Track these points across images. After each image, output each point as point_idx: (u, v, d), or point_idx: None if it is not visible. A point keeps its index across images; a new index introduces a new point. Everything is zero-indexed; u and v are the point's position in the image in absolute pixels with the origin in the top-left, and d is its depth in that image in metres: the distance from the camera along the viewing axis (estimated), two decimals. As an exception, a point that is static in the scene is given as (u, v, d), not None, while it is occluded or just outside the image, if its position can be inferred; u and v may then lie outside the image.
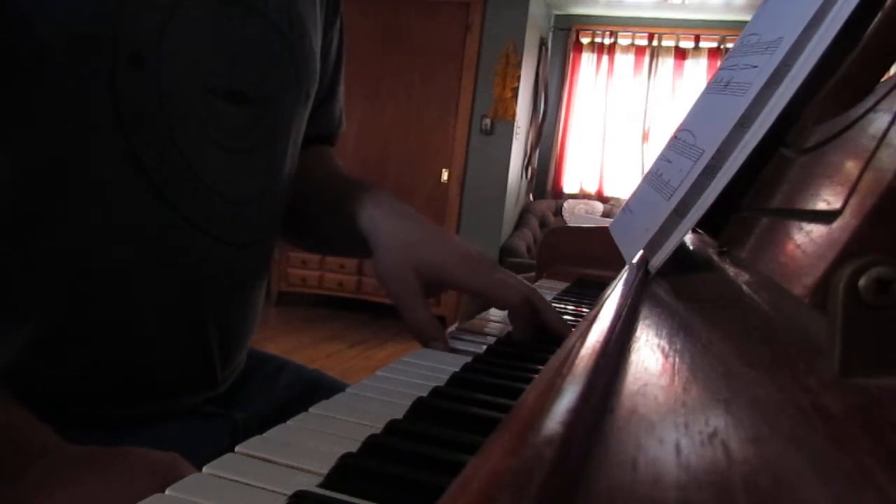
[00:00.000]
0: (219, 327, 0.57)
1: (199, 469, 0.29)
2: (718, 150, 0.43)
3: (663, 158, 0.57)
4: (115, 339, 0.50)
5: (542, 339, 0.57)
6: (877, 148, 0.26)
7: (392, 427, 0.34)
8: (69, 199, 0.47)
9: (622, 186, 4.34)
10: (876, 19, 0.39)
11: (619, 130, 4.38)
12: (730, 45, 3.92)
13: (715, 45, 4.20)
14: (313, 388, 0.68)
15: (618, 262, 0.55)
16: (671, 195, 0.46)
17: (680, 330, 0.32)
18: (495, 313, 0.69)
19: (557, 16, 4.49)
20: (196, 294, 0.53)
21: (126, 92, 0.46)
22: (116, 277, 0.49)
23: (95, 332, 0.49)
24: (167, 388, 0.55)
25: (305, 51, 0.60)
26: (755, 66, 0.44)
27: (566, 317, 0.68)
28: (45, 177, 0.46)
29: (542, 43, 4.33)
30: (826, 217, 0.27)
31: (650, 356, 0.29)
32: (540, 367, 0.45)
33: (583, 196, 4.46)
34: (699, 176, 0.44)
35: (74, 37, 0.44)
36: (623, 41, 4.39)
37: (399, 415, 0.36)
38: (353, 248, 0.64)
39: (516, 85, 3.98)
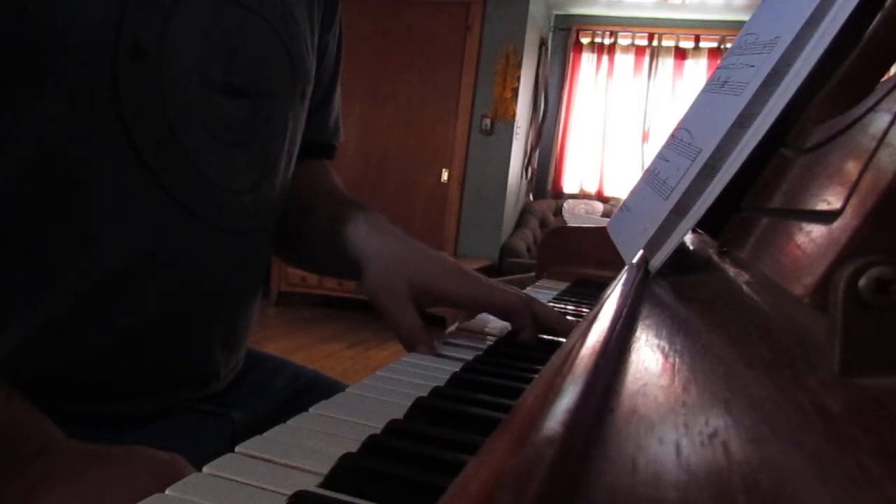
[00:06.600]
0: (222, 318, 0.57)
1: (198, 468, 0.29)
2: (716, 150, 0.43)
3: (661, 157, 0.57)
4: (120, 331, 0.50)
5: (542, 339, 0.57)
6: (877, 148, 0.26)
7: (392, 427, 0.34)
8: (72, 190, 0.47)
9: (622, 186, 4.34)
10: (876, 19, 0.39)
11: (619, 130, 4.39)
12: (730, 45, 3.92)
13: (715, 45, 4.20)
14: (311, 389, 0.68)
15: (618, 262, 0.55)
16: (669, 194, 0.46)
17: (680, 330, 0.32)
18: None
19: (557, 16, 4.49)
20: (198, 281, 0.54)
21: (126, 82, 0.47)
22: (122, 267, 0.49)
23: (101, 324, 0.50)
24: (170, 379, 0.55)
25: (300, 49, 0.61)
26: (752, 66, 0.44)
27: (566, 317, 0.68)
28: (47, 169, 0.46)
29: (542, 43, 4.33)
30: (826, 217, 0.27)
31: (650, 356, 0.29)
32: (540, 367, 0.45)
33: (583, 196, 4.46)
34: (697, 175, 0.44)
35: (78, 26, 0.44)
36: (623, 41, 4.39)
37: (399, 415, 0.36)
38: (342, 268, 0.65)
39: (516, 85, 3.98)
